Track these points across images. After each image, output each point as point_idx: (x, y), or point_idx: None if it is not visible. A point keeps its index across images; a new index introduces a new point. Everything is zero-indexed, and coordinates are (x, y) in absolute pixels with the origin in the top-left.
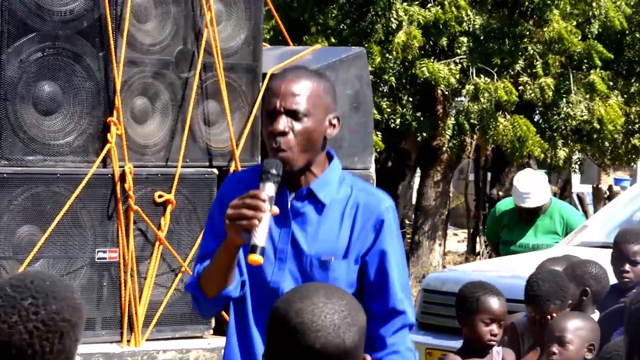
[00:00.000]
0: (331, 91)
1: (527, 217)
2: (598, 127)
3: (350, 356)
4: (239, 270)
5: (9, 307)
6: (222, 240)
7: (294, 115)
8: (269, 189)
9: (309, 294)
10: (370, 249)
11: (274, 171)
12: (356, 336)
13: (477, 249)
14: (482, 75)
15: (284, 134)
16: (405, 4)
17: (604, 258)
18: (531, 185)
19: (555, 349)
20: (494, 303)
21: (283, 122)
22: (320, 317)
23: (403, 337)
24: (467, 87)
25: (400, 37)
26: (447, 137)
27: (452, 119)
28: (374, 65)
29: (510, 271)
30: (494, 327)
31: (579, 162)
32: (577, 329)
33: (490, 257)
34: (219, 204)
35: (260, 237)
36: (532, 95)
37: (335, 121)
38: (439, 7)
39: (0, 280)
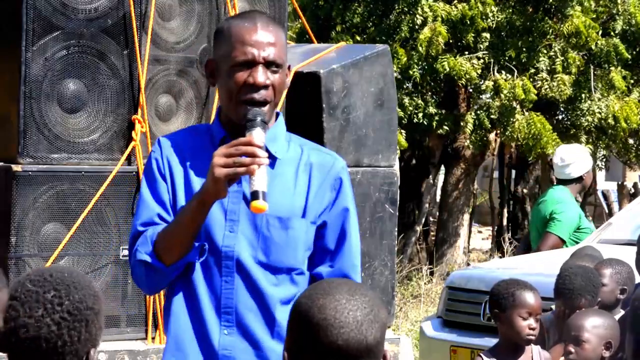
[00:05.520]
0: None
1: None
2: (613, 123)
3: (372, 353)
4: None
5: (34, 302)
6: (165, 204)
7: (270, 66)
8: (259, 136)
9: (331, 290)
10: (329, 208)
11: (260, 118)
12: (378, 333)
13: (503, 246)
14: (503, 72)
15: (267, 86)
16: (430, 0)
17: (628, 255)
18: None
19: (571, 348)
20: (530, 297)
21: (264, 74)
22: (344, 313)
23: None
24: (486, 82)
25: (425, 33)
26: (468, 131)
27: (473, 114)
28: (399, 66)
29: (534, 269)
30: (532, 321)
31: (603, 159)
32: (593, 327)
33: (514, 254)
34: (157, 166)
35: (260, 182)
36: (549, 91)
37: (288, 71)
38: (465, 3)
39: (18, 278)
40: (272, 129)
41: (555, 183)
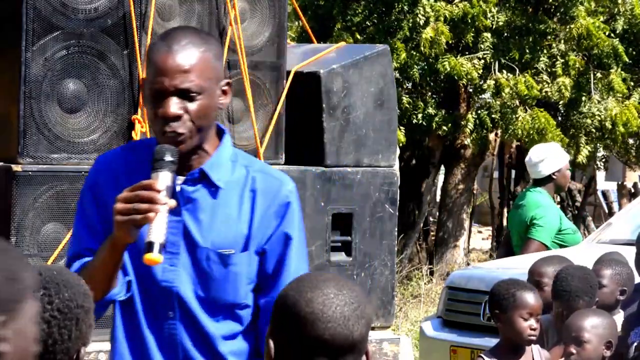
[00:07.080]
0: (220, 54)
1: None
2: (610, 126)
3: (356, 348)
4: (122, 271)
5: None
6: (97, 234)
7: (186, 94)
8: (164, 179)
9: (319, 284)
10: (271, 236)
11: (168, 158)
12: (364, 329)
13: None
14: (504, 71)
15: (177, 118)
16: (432, 0)
17: (628, 255)
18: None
19: (573, 349)
20: (530, 298)
21: (175, 105)
22: (331, 308)
23: None
24: (488, 81)
25: (428, 32)
26: (468, 131)
27: (474, 113)
28: (398, 61)
29: None
30: (533, 322)
31: (603, 160)
32: (593, 327)
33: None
34: (91, 192)
35: (156, 233)
36: (550, 94)
37: (226, 87)
38: (466, 1)
39: None
40: (217, 153)
41: (531, 183)
